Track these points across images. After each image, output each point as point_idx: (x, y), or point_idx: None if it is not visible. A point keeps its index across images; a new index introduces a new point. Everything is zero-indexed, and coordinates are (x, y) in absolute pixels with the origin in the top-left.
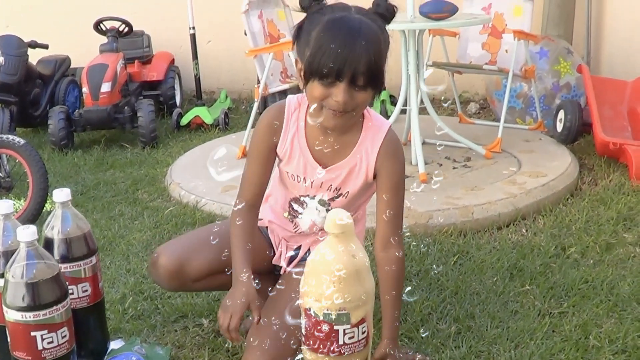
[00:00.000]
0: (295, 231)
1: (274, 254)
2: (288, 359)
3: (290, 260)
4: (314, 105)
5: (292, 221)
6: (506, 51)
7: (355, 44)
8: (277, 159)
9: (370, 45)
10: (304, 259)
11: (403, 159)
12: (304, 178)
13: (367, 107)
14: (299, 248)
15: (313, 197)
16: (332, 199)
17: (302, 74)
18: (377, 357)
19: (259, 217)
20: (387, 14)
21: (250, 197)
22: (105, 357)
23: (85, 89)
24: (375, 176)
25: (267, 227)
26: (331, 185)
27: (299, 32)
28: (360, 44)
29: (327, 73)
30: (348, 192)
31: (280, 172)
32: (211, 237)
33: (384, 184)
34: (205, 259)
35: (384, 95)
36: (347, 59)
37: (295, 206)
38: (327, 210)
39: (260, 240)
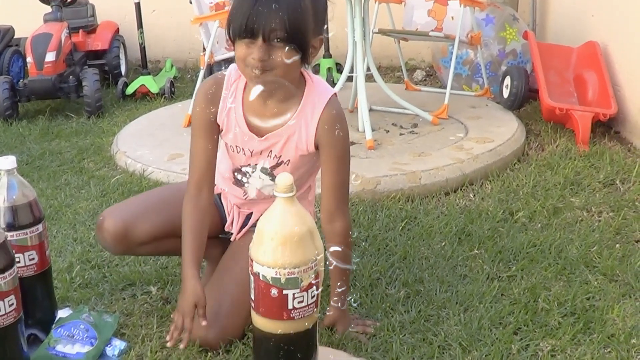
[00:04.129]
0: (245, 198)
1: (226, 220)
2: (240, 327)
3: (242, 227)
4: (240, 66)
5: (241, 188)
6: (452, 18)
7: (269, 1)
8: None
9: (285, 2)
10: (254, 227)
11: (346, 129)
12: (242, 149)
13: (312, 75)
14: (251, 214)
15: (255, 166)
16: (273, 167)
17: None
18: (326, 323)
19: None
20: None
21: (200, 175)
22: (53, 325)
23: (29, 59)
24: (317, 147)
25: (220, 194)
26: (270, 152)
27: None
28: (275, 1)
29: (241, 32)
30: (289, 160)
31: (223, 144)
32: (158, 201)
33: (327, 156)
34: (152, 223)
35: (330, 63)
36: (258, 17)
37: (239, 176)
38: (271, 179)
39: (212, 207)
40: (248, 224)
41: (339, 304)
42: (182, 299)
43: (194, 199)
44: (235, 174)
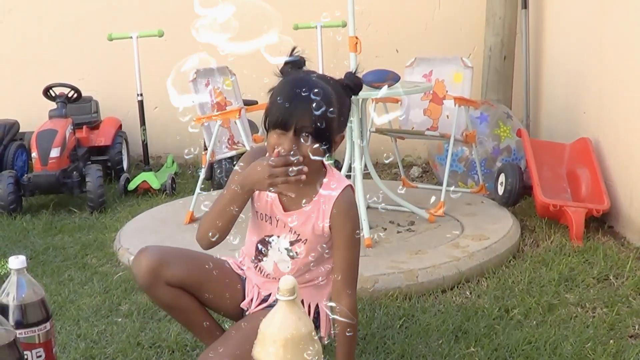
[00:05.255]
0: (263, 275)
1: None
2: None
3: (259, 306)
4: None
5: (257, 265)
6: (447, 117)
7: (301, 100)
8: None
9: (315, 102)
10: (271, 306)
11: (355, 218)
12: (270, 217)
13: (333, 168)
14: (269, 296)
15: (277, 238)
16: (292, 243)
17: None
18: None
19: (240, 266)
20: (352, 85)
21: None
22: None
23: (34, 154)
24: (330, 231)
25: (245, 277)
26: (291, 228)
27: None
28: (306, 100)
29: (275, 124)
30: (306, 239)
31: (253, 214)
32: (196, 255)
33: (336, 241)
34: (184, 268)
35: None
36: (291, 113)
37: (261, 247)
38: (289, 255)
39: (235, 289)
40: (267, 301)
41: None
42: (254, 170)
43: None
44: (259, 245)
